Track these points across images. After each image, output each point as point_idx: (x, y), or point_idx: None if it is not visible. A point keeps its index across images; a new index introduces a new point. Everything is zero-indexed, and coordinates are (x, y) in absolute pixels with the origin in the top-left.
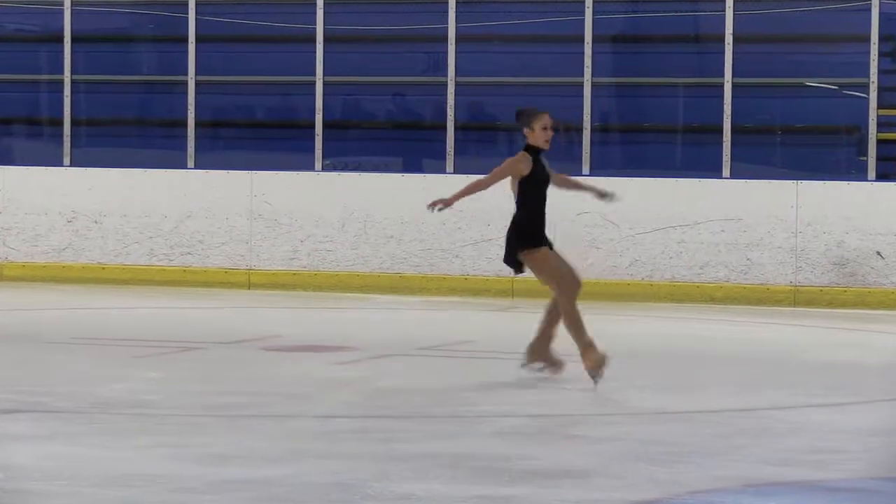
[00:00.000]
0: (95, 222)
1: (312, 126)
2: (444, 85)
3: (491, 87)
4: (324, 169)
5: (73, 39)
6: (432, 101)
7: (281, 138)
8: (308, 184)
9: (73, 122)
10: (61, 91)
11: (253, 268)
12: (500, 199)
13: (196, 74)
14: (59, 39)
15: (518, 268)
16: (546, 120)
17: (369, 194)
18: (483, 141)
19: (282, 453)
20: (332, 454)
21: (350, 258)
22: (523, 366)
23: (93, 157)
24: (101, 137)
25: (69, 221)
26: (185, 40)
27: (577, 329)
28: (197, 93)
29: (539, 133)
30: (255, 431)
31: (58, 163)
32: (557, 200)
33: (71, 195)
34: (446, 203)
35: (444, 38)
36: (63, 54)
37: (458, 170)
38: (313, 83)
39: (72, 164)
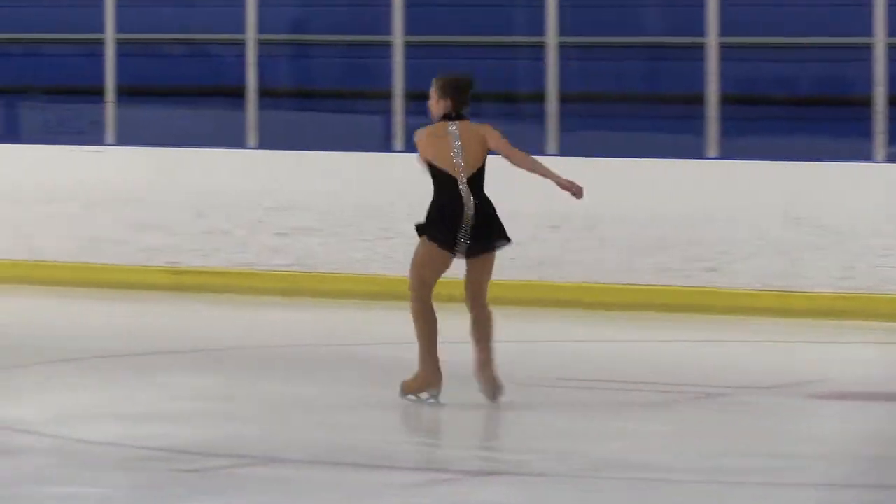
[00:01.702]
0: (587, 229)
1: (868, 103)
2: None
3: None
4: (888, 159)
5: None
6: None
7: (828, 119)
8: (861, 179)
9: (563, 99)
10: (542, 58)
11: (790, 289)
12: None
13: (720, 35)
14: None
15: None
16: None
17: None
18: None
19: None
20: None
21: None
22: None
23: (586, 143)
24: (594, 118)
25: (554, 227)
26: None
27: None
28: (721, 59)
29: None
30: (786, 501)
31: (541, 151)
32: None
33: (559, 194)
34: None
35: None
36: (545, 10)
37: None
38: (869, 46)
39: (560, 153)
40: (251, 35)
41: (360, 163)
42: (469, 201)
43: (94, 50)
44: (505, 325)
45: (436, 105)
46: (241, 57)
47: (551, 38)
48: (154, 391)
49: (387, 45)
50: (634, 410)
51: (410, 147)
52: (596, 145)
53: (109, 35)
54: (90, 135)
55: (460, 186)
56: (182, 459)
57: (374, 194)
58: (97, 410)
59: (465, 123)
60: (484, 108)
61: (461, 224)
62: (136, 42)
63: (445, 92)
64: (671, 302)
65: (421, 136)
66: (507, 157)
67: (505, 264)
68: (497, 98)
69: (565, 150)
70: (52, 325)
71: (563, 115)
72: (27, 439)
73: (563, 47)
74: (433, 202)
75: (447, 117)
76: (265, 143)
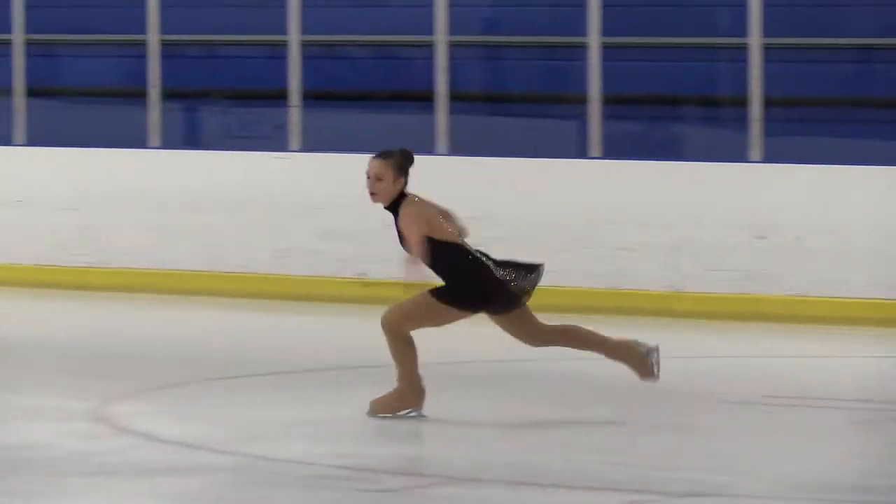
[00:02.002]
0: (794, 240)
1: None
2: None
3: None
4: None
5: None
6: None
7: None
8: None
9: (767, 103)
10: (745, 59)
11: None
12: None
13: None
14: None
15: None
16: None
17: None
18: None
19: None
20: None
21: None
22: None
23: (791, 149)
24: (800, 123)
25: (760, 238)
26: None
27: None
28: None
29: None
30: None
31: (743, 157)
32: None
33: (761, 202)
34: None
35: None
36: (748, 9)
37: None
38: None
39: (763, 160)
40: (441, 37)
41: (554, 170)
42: (484, 257)
43: (278, 52)
44: (710, 341)
45: (392, 184)
46: (430, 59)
47: (755, 38)
48: (343, 407)
49: (583, 47)
50: (844, 430)
51: (608, 154)
52: (802, 151)
53: (293, 37)
54: (274, 140)
55: (470, 248)
56: (371, 479)
57: (566, 204)
58: (284, 427)
59: (418, 196)
60: (684, 112)
61: (499, 276)
62: (321, 44)
63: (403, 169)
64: (883, 315)
65: (417, 217)
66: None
67: (707, 277)
68: (698, 102)
69: (769, 157)
70: (239, 339)
71: (768, 120)
72: (214, 457)
73: (767, 49)
74: (463, 275)
75: (403, 195)
76: (455, 148)
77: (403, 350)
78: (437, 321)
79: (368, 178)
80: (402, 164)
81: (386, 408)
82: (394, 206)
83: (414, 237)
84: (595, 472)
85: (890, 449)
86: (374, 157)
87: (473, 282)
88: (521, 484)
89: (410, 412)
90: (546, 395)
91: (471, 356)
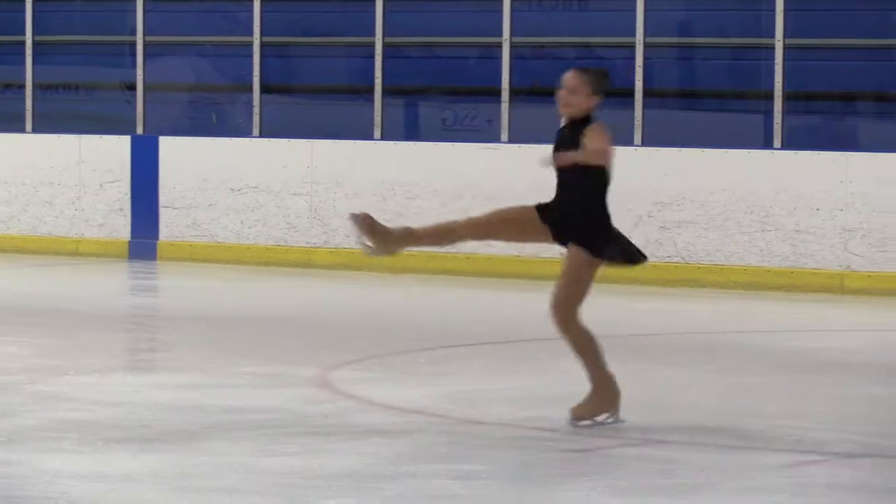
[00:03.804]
0: None
1: None
2: None
3: None
4: None
5: None
6: None
7: None
8: None
9: None
10: None
11: None
12: None
13: None
14: None
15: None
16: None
17: None
18: None
19: None
20: None
21: None
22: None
23: None
24: None
25: None
26: None
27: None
28: None
29: None
30: None
31: None
32: None
33: None
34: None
35: None
36: None
37: None
38: None
39: None
40: (639, 38)
41: (740, 159)
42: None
43: (490, 52)
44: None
45: (585, 99)
46: (628, 59)
47: None
48: (541, 375)
49: (768, 48)
50: None
51: (790, 145)
52: None
53: (505, 38)
54: (485, 133)
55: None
56: (567, 440)
57: (750, 190)
58: (490, 394)
59: None
60: (860, 108)
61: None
62: (530, 45)
63: (597, 89)
64: None
65: (608, 138)
66: None
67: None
68: (872, 98)
69: None
70: (447, 312)
71: None
72: (425, 420)
73: None
74: (605, 211)
75: (589, 118)
76: (648, 140)
77: (591, 347)
78: (590, 281)
79: (561, 89)
80: (598, 82)
81: (583, 414)
82: (577, 125)
83: (605, 145)
84: (771, 435)
85: None
86: (570, 70)
87: (607, 229)
88: (703, 445)
89: (608, 418)
90: (732, 364)
91: (664, 329)
